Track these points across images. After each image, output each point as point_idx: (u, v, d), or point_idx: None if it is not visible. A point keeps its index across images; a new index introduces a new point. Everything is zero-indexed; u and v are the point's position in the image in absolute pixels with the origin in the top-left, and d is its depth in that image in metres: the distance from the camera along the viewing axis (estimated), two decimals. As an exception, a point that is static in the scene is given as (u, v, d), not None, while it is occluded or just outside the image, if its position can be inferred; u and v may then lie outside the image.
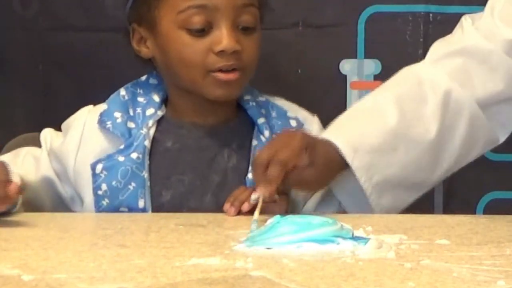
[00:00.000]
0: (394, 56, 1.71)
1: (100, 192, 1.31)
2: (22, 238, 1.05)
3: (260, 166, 1.20)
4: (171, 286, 0.78)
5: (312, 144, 1.23)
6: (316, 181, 1.25)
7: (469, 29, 1.33)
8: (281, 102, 1.43)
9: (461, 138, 1.29)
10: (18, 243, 1.01)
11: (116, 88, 1.43)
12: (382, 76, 1.71)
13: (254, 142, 1.36)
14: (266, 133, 1.37)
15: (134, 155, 1.32)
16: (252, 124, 1.39)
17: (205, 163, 1.35)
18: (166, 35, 1.33)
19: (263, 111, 1.40)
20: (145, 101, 1.38)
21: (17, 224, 1.15)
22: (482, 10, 1.67)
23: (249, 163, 1.34)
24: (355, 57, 1.71)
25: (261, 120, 1.38)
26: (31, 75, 1.73)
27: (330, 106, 1.72)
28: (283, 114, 1.40)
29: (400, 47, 1.71)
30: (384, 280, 0.81)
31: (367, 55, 1.71)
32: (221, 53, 1.31)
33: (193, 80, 1.33)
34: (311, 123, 1.42)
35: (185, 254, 0.92)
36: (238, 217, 1.23)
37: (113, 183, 1.31)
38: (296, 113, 1.42)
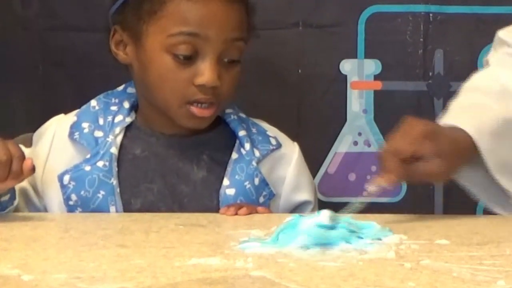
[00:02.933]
0: (394, 56, 1.71)
1: (71, 203, 1.31)
2: (22, 238, 1.05)
3: (379, 159, 1.17)
4: (171, 286, 0.78)
5: (436, 131, 1.18)
6: (443, 171, 1.19)
7: None
8: (260, 122, 1.42)
9: None
10: (18, 243, 1.01)
11: (115, 88, 1.43)
12: (382, 76, 1.71)
13: (234, 156, 1.35)
14: (247, 146, 1.35)
15: (100, 163, 1.31)
16: (233, 137, 1.37)
17: (173, 173, 1.34)
18: (150, 54, 1.31)
19: (244, 125, 1.39)
20: (116, 109, 1.37)
21: (17, 224, 1.15)
22: (481, 10, 1.69)
23: (223, 176, 1.33)
24: (355, 57, 1.71)
25: (242, 133, 1.37)
26: (31, 75, 1.73)
27: (330, 106, 1.72)
28: (262, 132, 1.39)
29: (400, 47, 1.71)
30: (384, 280, 0.81)
31: (367, 55, 1.71)
32: (200, 86, 1.29)
33: (167, 105, 1.32)
34: (292, 150, 1.41)
35: (185, 254, 0.92)
36: (238, 217, 1.23)
37: (82, 193, 1.31)
38: (276, 134, 1.41)
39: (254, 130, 1.39)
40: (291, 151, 1.40)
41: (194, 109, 1.31)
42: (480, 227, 1.16)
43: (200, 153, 1.36)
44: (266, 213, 1.28)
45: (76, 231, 1.14)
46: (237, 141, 1.36)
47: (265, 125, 1.42)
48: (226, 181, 1.33)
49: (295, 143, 1.43)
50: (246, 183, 1.33)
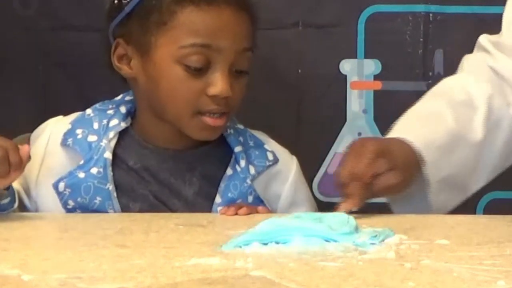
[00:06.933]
0: (394, 56, 1.71)
1: (69, 207, 1.30)
2: (22, 238, 1.05)
3: (339, 186, 1.20)
4: (171, 286, 0.78)
5: (387, 148, 1.22)
6: (401, 183, 1.23)
7: (493, 50, 1.37)
8: (259, 134, 1.40)
9: (502, 143, 1.32)
10: (18, 243, 1.01)
11: (115, 88, 1.43)
12: (382, 76, 1.71)
13: (229, 172, 1.33)
14: (242, 162, 1.33)
15: (94, 170, 1.30)
16: (228, 151, 1.35)
17: (164, 187, 1.33)
18: (160, 66, 1.29)
19: (241, 139, 1.37)
20: (113, 113, 1.36)
21: (17, 224, 1.15)
22: (481, 10, 1.69)
23: (215, 193, 1.32)
24: (355, 57, 1.71)
25: (238, 148, 1.35)
26: (31, 75, 1.73)
27: (330, 106, 1.72)
28: (260, 145, 1.37)
29: (400, 47, 1.71)
30: (384, 280, 0.81)
31: (367, 55, 1.71)
32: (213, 96, 1.28)
33: (178, 117, 1.30)
34: (290, 166, 1.39)
35: (185, 254, 0.92)
36: (238, 217, 1.23)
37: (79, 199, 1.30)
38: (273, 148, 1.38)
39: (251, 143, 1.37)
40: (288, 168, 1.38)
41: (208, 119, 1.29)
42: (480, 227, 1.16)
43: (193, 168, 1.34)
44: (266, 213, 1.28)
45: (76, 231, 1.14)
46: (233, 157, 1.34)
47: (263, 137, 1.40)
48: (218, 198, 1.32)
49: (294, 158, 1.41)
50: (239, 201, 1.31)
